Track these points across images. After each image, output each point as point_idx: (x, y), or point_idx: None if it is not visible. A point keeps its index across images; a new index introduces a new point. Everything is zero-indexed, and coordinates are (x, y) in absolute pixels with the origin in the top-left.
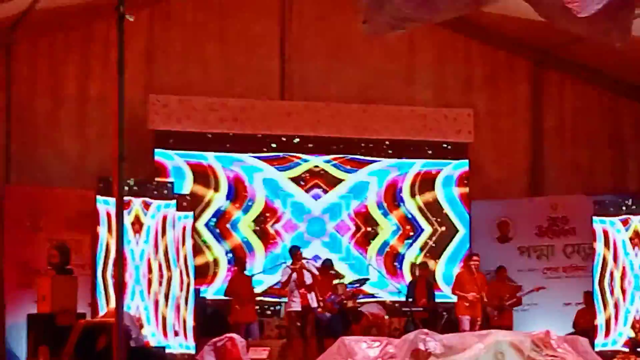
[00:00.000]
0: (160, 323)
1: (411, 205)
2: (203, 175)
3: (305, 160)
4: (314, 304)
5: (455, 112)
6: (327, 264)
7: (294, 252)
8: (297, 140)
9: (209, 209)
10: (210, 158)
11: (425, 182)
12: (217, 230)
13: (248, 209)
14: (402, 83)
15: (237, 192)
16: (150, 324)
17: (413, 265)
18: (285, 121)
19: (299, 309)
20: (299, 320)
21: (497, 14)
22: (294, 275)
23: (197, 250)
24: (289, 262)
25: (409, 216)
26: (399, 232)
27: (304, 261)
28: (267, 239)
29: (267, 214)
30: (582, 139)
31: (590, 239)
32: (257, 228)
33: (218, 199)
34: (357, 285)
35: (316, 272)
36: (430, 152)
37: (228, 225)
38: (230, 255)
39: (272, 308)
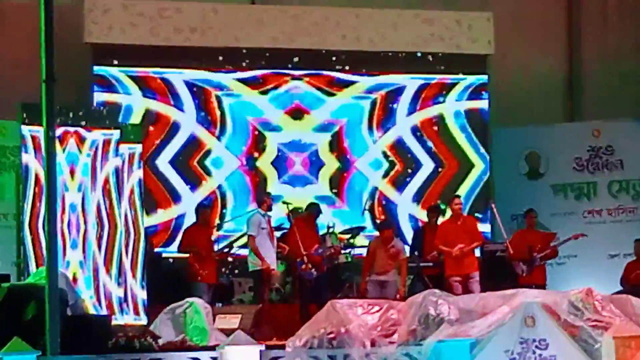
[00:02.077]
0: (102, 290)
1: (411, 134)
2: (160, 93)
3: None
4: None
5: (471, 17)
6: (313, 210)
7: (263, 198)
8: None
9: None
10: (165, 75)
11: (432, 105)
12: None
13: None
14: None
15: (208, 115)
16: (89, 288)
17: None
18: (257, 31)
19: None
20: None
21: None
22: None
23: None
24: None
25: (408, 148)
26: (394, 169)
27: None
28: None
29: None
30: (631, 47)
31: None
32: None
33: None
34: (350, 236)
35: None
36: (438, 67)
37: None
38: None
39: (242, 265)
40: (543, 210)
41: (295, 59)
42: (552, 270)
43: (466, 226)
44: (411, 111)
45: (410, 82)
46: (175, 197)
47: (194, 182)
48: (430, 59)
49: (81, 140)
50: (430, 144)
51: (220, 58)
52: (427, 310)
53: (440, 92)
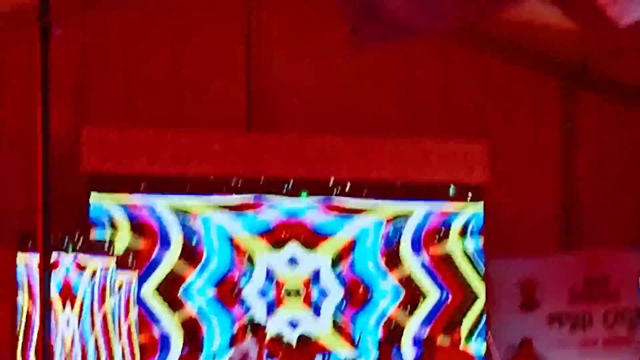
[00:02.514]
0: None
1: (414, 264)
2: (148, 230)
3: (276, 207)
4: None
5: (466, 147)
6: (303, 340)
7: (255, 329)
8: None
9: (157, 270)
10: (158, 206)
11: (430, 235)
12: (167, 298)
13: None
14: (399, 109)
15: (192, 250)
16: None
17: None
18: (253, 158)
19: None
20: None
21: (516, 22)
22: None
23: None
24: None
25: (413, 277)
26: (399, 298)
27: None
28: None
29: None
30: (627, 177)
31: (637, 304)
32: (216, 295)
33: (168, 258)
34: None
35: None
36: (435, 196)
37: (180, 293)
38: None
39: None
40: (538, 341)
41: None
42: None
43: (462, 355)
44: (416, 244)
45: (408, 215)
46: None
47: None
48: (427, 188)
49: (79, 267)
50: (436, 274)
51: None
52: None
53: (442, 224)
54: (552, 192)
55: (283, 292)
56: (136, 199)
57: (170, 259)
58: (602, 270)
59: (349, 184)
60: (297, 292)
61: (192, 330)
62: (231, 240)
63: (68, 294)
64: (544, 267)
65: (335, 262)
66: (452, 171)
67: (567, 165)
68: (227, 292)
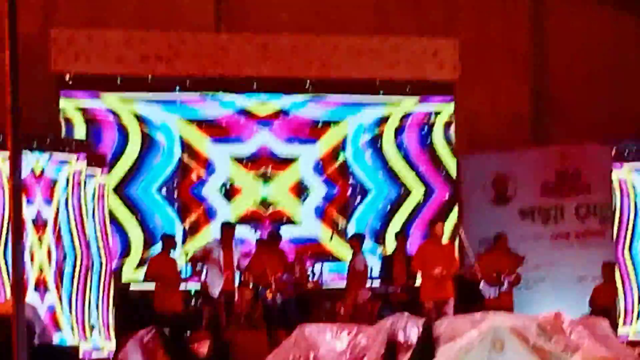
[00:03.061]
0: (72, 317)
1: (378, 159)
2: (120, 128)
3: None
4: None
5: (437, 43)
6: (274, 235)
7: (225, 230)
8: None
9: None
10: (129, 104)
11: (398, 130)
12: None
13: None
14: (369, 7)
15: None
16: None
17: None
18: (222, 58)
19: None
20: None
21: None
22: (220, 253)
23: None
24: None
25: (372, 174)
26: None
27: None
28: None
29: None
30: (598, 72)
31: (609, 197)
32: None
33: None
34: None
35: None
36: (405, 93)
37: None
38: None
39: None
40: (511, 235)
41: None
42: (520, 294)
43: (445, 251)
44: (376, 136)
45: (376, 109)
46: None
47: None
48: (397, 85)
49: (54, 164)
50: (395, 169)
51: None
52: (396, 335)
53: (407, 118)
54: (523, 88)
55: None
56: (103, 100)
57: (130, 157)
58: (573, 165)
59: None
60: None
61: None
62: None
63: (47, 190)
64: (516, 162)
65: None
66: (422, 68)
67: (537, 60)
68: (187, 190)
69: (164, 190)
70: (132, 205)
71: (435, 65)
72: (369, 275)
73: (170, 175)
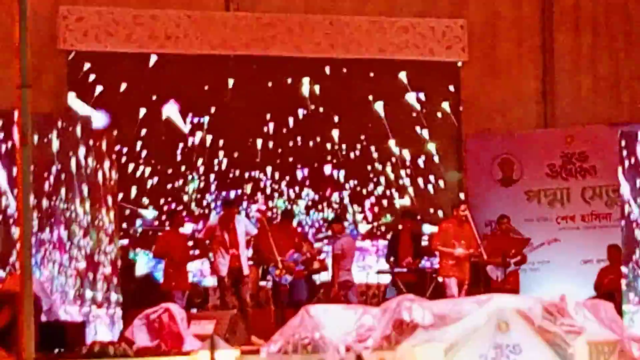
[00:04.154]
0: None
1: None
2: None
3: None
4: (246, 270)
5: (445, 24)
6: (287, 214)
7: (228, 206)
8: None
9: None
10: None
11: (405, 111)
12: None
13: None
14: None
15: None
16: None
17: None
18: (231, 37)
19: (224, 273)
20: (231, 288)
21: None
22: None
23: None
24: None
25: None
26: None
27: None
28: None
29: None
30: (605, 54)
31: (615, 180)
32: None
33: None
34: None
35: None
36: (412, 74)
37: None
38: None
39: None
40: (517, 216)
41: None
42: (526, 276)
43: (465, 232)
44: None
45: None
46: None
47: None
48: (405, 65)
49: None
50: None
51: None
52: (401, 316)
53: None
54: (531, 70)
55: None
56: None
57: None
58: (580, 147)
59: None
60: None
61: None
62: None
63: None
64: (523, 144)
65: None
66: (431, 49)
67: (545, 43)
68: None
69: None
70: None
71: (443, 46)
72: (354, 258)
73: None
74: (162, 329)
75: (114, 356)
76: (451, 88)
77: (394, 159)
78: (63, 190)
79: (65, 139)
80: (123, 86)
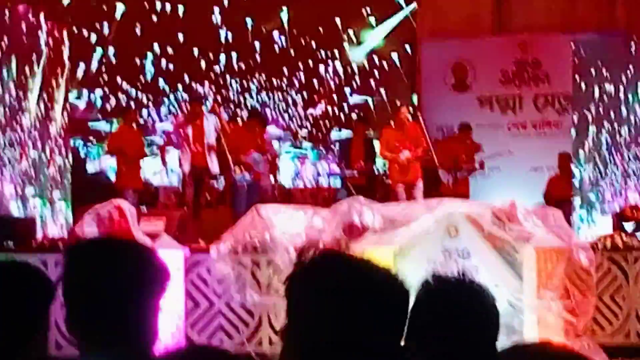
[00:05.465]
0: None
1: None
2: None
3: None
4: (214, 168)
5: None
6: (254, 115)
7: (194, 100)
8: None
9: None
10: None
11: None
12: None
13: None
14: None
15: None
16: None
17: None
18: None
19: (185, 169)
20: (192, 184)
21: None
22: (188, 129)
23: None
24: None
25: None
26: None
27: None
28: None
29: None
30: None
31: (567, 88)
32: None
33: None
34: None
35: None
36: None
37: None
38: None
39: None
40: (469, 122)
41: None
42: (476, 182)
43: (410, 133)
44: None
45: None
46: None
47: None
48: None
49: None
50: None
51: None
52: (352, 218)
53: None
54: None
55: None
56: None
57: None
58: (533, 54)
59: None
60: None
61: None
62: None
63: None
64: (476, 50)
65: None
66: None
67: None
68: None
69: None
70: None
71: None
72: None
73: None
74: (112, 225)
75: (63, 250)
76: None
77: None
78: (12, 85)
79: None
80: None
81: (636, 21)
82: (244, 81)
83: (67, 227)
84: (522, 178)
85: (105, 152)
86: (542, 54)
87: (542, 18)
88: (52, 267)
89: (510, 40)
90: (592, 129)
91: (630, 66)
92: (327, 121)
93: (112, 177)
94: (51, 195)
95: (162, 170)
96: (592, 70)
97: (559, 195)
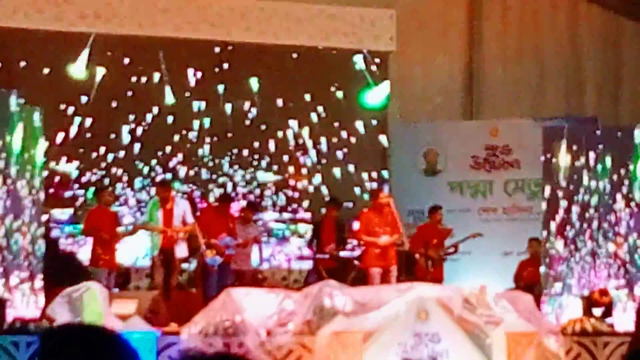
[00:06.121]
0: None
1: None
2: None
3: None
4: (181, 253)
5: (374, 13)
6: (225, 198)
7: (162, 185)
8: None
9: None
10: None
11: (332, 100)
12: None
13: None
14: None
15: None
16: None
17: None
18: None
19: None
20: (162, 267)
21: None
22: (159, 212)
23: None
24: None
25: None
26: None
27: (176, 194)
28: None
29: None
30: (530, 50)
31: (537, 174)
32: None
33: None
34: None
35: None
36: (341, 62)
37: None
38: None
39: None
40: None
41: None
42: (447, 266)
43: (388, 219)
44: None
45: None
46: None
47: None
48: (334, 53)
49: None
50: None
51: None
52: (322, 302)
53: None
54: (456, 61)
55: None
56: None
57: None
58: (504, 140)
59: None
60: None
61: None
62: None
63: None
64: (447, 135)
65: None
66: (360, 38)
67: (472, 36)
68: None
69: None
70: None
71: (372, 35)
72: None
73: None
74: (84, 308)
75: (35, 333)
76: (379, 76)
77: (318, 146)
78: None
79: None
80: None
81: (605, 107)
82: (216, 159)
83: (39, 308)
84: (493, 262)
85: (80, 233)
86: (512, 139)
87: (512, 104)
88: (23, 348)
89: (481, 126)
90: (562, 213)
91: (599, 151)
92: (297, 202)
93: (86, 259)
94: (23, 275)
95: (133, 251)
96: (562, 155)
97: (529, 279)
